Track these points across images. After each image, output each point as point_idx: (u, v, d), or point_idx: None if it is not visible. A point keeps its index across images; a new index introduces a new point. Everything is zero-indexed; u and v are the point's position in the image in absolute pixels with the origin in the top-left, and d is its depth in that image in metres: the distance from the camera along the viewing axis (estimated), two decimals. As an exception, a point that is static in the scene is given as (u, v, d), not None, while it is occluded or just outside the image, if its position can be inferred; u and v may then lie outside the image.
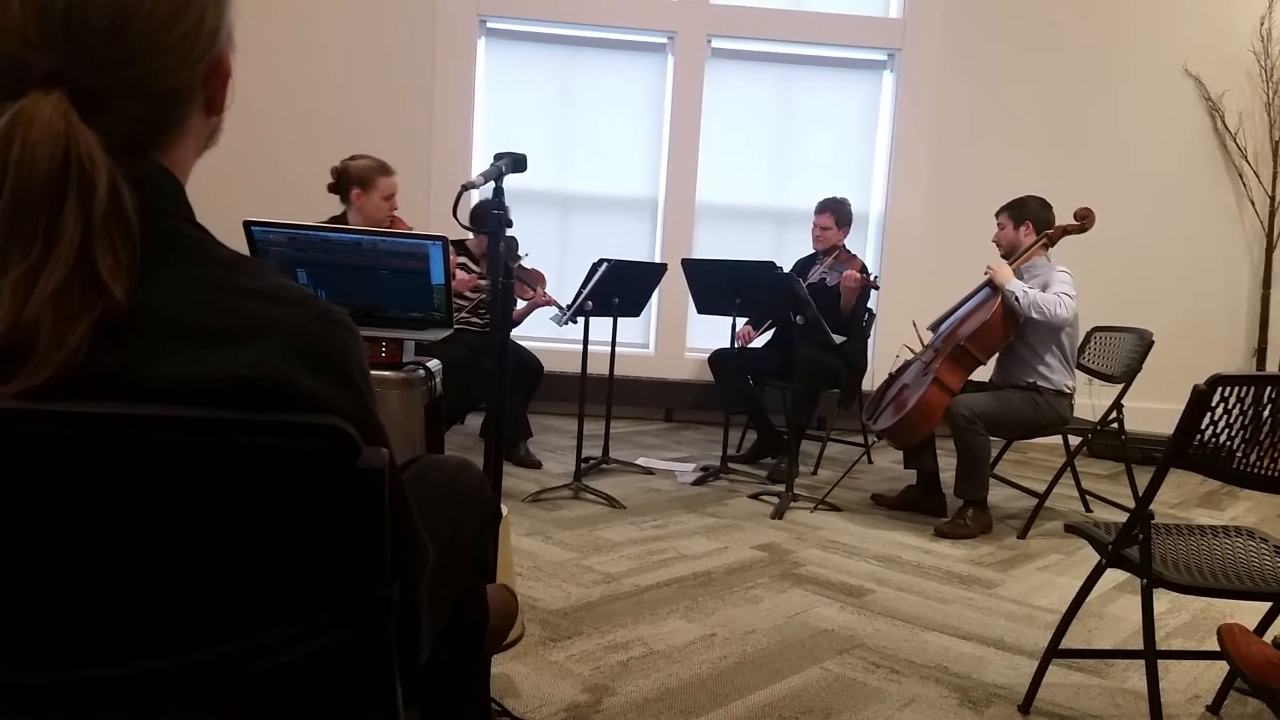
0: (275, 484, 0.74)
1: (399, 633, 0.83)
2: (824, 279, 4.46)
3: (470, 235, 4.51)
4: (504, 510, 1.67)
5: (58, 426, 0.69)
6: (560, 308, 4.27)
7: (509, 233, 2.18)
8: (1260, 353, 5.95)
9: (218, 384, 0.72)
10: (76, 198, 0.70)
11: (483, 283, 4.38)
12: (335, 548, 0.77)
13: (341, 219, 3.68)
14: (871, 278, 4.35)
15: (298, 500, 0.75)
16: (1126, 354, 3.78)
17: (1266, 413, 1.77)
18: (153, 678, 0.76)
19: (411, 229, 3.89)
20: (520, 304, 4.64)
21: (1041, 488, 3.81)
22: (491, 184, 2.12)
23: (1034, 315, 3.55)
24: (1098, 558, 1.98)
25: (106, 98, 0.74)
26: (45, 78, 0.71)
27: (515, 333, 4.57)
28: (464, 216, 2.09)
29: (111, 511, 0.72)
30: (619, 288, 4.01)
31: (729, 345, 4.43)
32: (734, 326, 4.34)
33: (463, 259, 4.49)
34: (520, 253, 4.21)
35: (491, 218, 2.19)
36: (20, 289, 0.69)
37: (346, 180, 3.62)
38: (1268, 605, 2.05)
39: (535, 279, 4.61)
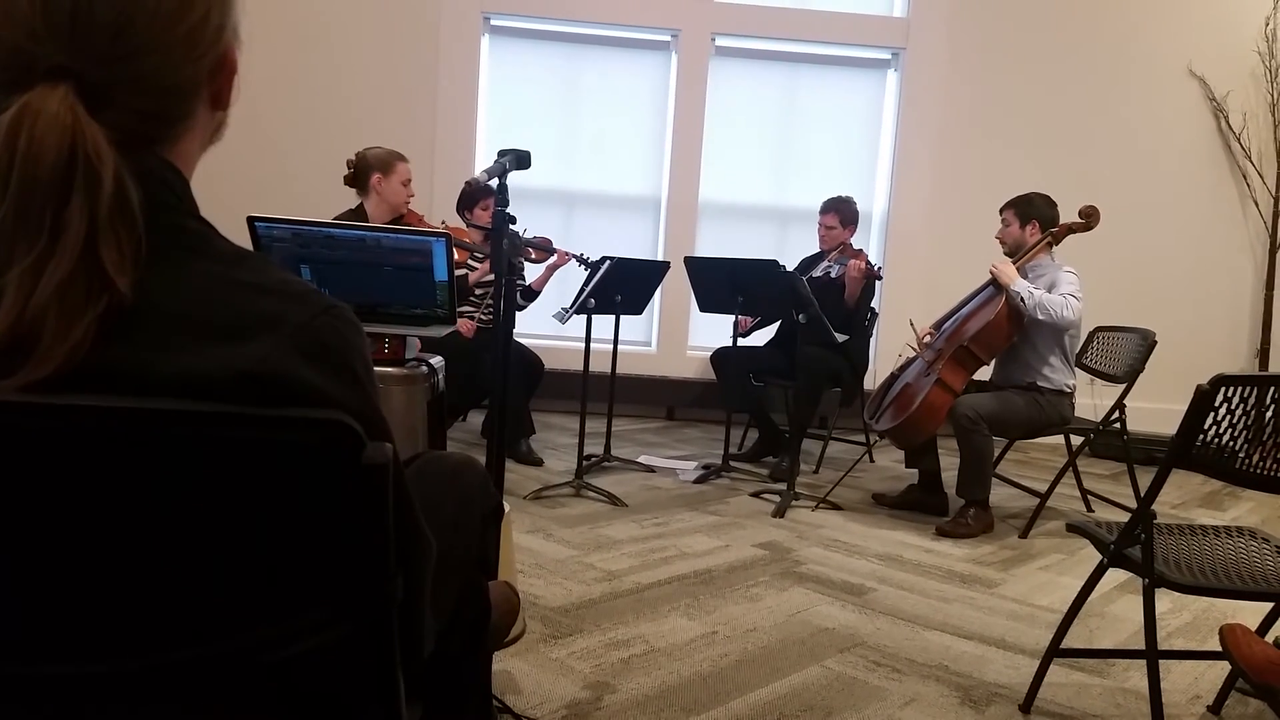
0: (280, 479, 0.74)
1: (402, 628, 0.83)
2: (828, 272, 4.45)
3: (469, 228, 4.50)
4: (506, 507, 1.67)
5: (62, 420, 0.69)
6: (579, 259, 4.26)
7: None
8: (1263, 353, 5.94)
9: (222, 378, 0.72)
10: (82, 191, 0.70)
11: (489, 277, 4.37)
12: (339, 543, 0.77)
13: (357, 214, 3.64)
14: (875, 268, 4.35)
15: (302, 495, 0.75)
16: (1129, 354, 3.78)
17: (1269, 413, 1.77)
18: (157, 671, 0.76)
19: (423, 218, 3.92)
20: (540, 270, 4.57)
21: (1043, 487, 3.81)
22: (495, 179, 2.12)
23: (1039, 317, 3.53)
24: (1099, 557, 1.98)
25: (112, 92, 0.74)
26: (52, 71, 0.71)
27: (516, 331, 4.53)
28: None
29: (115, 505, 0.72)
30: (621, 285, 4.01)
31: (731, 343, 4.43)
32: (736, 325, 4.34)
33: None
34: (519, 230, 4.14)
35: (495, 215, 2.20)
36: (26, 282, 0.69)
37: (366, 167, 3.61)
38: (1269, 606, 2.05)
39: (544, 243, 4.47)
